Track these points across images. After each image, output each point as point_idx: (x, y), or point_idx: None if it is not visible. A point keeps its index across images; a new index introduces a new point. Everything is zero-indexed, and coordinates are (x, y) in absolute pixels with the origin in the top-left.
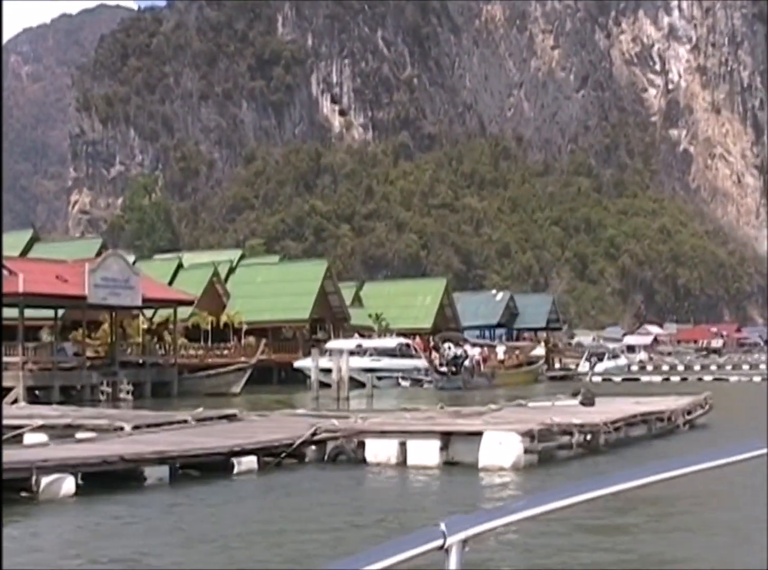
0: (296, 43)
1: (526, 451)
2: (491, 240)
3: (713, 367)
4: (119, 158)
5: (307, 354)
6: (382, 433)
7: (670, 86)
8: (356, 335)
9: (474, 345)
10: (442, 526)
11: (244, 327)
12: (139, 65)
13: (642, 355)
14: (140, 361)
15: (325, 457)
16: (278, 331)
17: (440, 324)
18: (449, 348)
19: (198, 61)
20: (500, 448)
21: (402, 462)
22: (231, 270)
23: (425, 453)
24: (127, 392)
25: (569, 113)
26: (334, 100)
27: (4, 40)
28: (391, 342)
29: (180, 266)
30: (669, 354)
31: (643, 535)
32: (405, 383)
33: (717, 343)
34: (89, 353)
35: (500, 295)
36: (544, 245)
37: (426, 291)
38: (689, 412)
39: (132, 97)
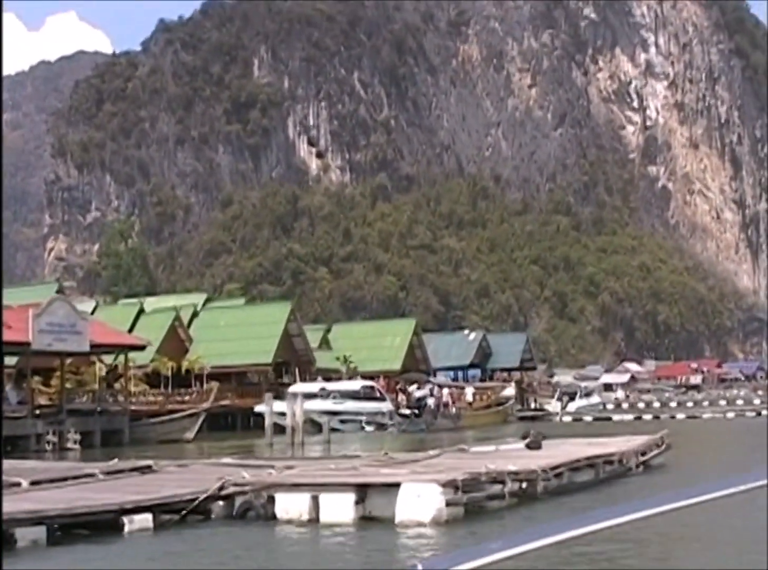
0: (272, 85)
1: (448, 504)
2: (470, 280)
3: (689, 404)
4: (95, 204)
5: (275, 398)
6: (293, 487)
7: (648, 123)
8: (320, 378)
9: (440, 386)
10: (419, 567)
11: (206, 372)
12: (114, 110)
13: (619, 394)
14: (92, 408)
15: (234, 514)
16: (243, 376)
17: (410, 365)
18: (417, 389)
19: (174, 105)
20: (418, 501)
21: (315, 518)
22: (195, 314)
23: (339, 508)
24: (75, 442)
25: (547, 152)
26: (311, 143)
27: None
28: (354, 384)
29: (141, 311)
30: (648, 391)
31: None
32: (369, 427)
33: (696, 379)
34: (43, 401)
35: (473, 335)
36: (524, 284)
37: (395, 332)
38: (643, 453)
39: (107, 142)
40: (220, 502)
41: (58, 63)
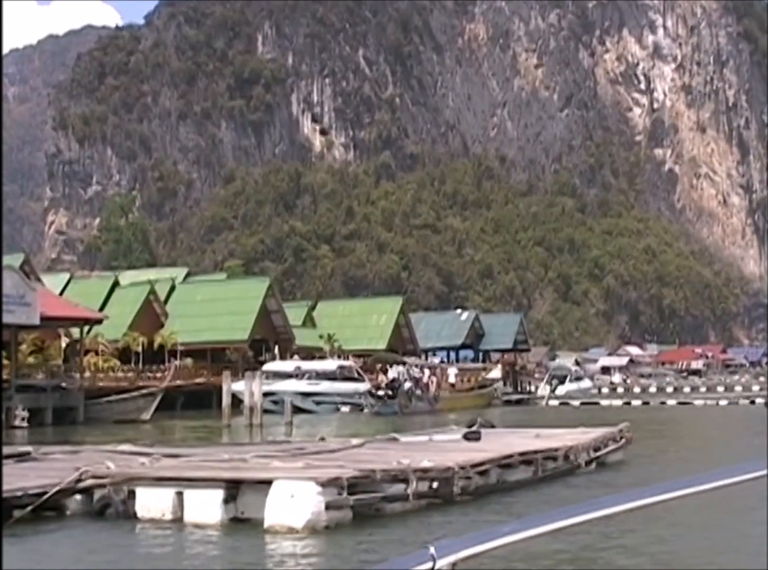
0: (276, 62)
1: (329, 506)
2: (473, 261)
3: (686, 390)
4: (96, 178)
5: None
6: (156, 481)
7: (655, 105)
8: (295, 357)
9: (420, 367)
10: (432, 549)
11: (179, 348)
12: (116, 84)
13: (616, 377)
14: (44, 385)
15: (93, 510)
16: (221, 353)
17: (396, 345)
18: (404, 370)
19: (176, 79)
20: (291, 502)
21: (179, 517)
22: (173, 288)
23: (205, 507)
24: (23, 419)
25: (553, 133)
26: (314, 120)
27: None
28: (331, 364)
29: (116, 285)
30: (649, 376)
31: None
32: (345, 408)
33: (698, 364)
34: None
35: (465, 315)
36: (527, 266)
37: (381, 310)
38: (597, 449)
39: (109, 116)
40: (78, 497)
41: (65, 37)
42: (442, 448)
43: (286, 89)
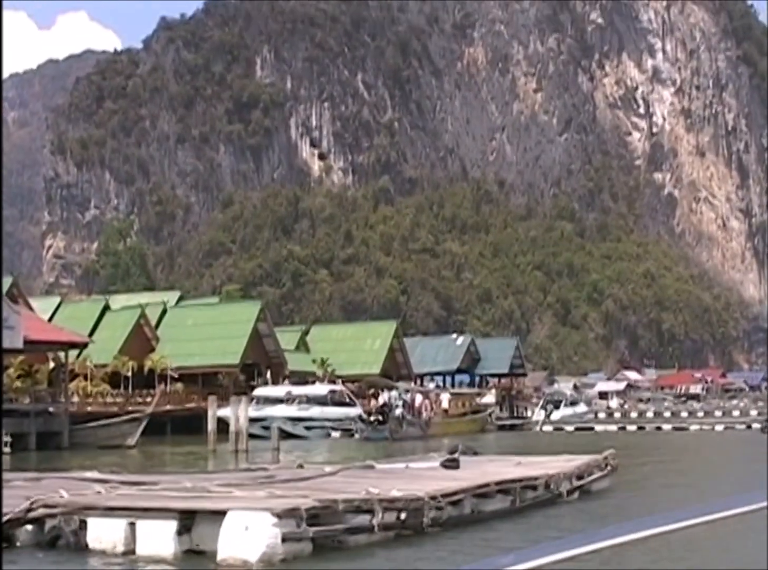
0: (275, 86)
1: (286, 539)
2: (472, 285)
3: (684, 414)
4: (94, 202)
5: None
6: (108, 511)
7: (654, 129)
8: (286, 382)
9: (409, 391)
10: None
11: (169, 373)
12: (114, 108)
13: (613, 402)
14: (28, 409)
15: (44, 541)
16: (213, 377)
17: (390, 369)
18: (397, 395)
19: (175, 103)
20: (245, 534)
21: (131, 549)
22: (164, 312)
23: (158, 538)
24: (6, 444)
25: (552, 157)
26: (313, 144)
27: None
28: (321, 389)
29: (107, 308)
30: (648, 400)
31: None
32: (336, 434)
33: (696, 388)
34: None
35: (460, 340)
36: (526, 290)
37: (375, 334)
38: (580, 477)
39: (107, 140)
40: (29, 527)
41: (65, 61)
42: (417, 476)
43: (284, 113)
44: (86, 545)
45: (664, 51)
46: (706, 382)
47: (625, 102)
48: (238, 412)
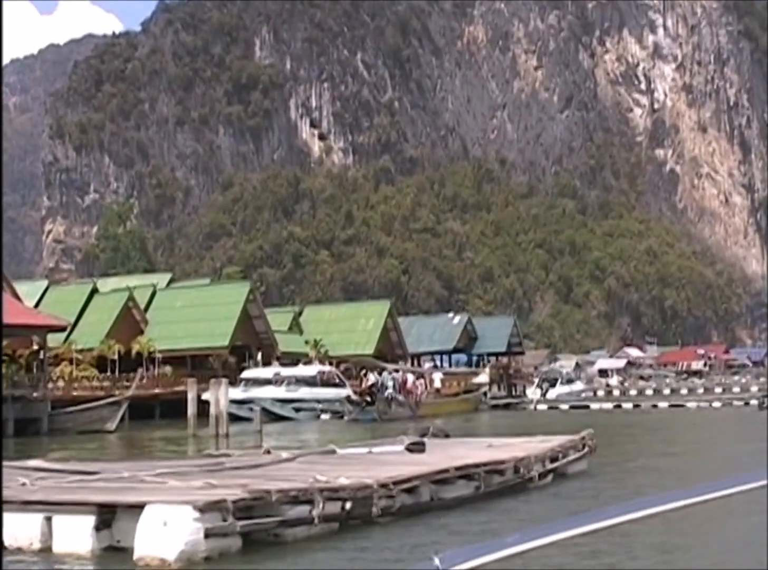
0: (274, 67)
1: (210, 534)
2: (474, 264)
3: (683, 391)
4: (93, 186)
5: (229, 384)
6: (24, 505)
7: (656, 105)
8: (276, 364)
9: (403, 372)
10: (436, 561)
11: (157, 356)
12: (113, 91)
13: (613, 380)
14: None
15: None
16: (202, 360)
17: (385, 349)
18: (387, 376)
19: (174, 86)
20: (164, 530)
21: (48, 546)
22: (154, 295)
23: (76, 534)
24: None
25: (553, 134)
26: (313, 125)
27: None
28: (310, 370)
29: (95, 291)
30: (650, 377)
31: None
32: (325, 415)
33: (698, 365)
34: None
35: (457, 319)
36: (528, 268)
37: (368, 314)
38: (554, 459)
39: (106, 123)
40: None
41: (66, 46)
42: (378, 462)
43: (284, 94)
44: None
45: (665, 27)
46: (709, 358)
47: (626, 78)
48: (218, 395)
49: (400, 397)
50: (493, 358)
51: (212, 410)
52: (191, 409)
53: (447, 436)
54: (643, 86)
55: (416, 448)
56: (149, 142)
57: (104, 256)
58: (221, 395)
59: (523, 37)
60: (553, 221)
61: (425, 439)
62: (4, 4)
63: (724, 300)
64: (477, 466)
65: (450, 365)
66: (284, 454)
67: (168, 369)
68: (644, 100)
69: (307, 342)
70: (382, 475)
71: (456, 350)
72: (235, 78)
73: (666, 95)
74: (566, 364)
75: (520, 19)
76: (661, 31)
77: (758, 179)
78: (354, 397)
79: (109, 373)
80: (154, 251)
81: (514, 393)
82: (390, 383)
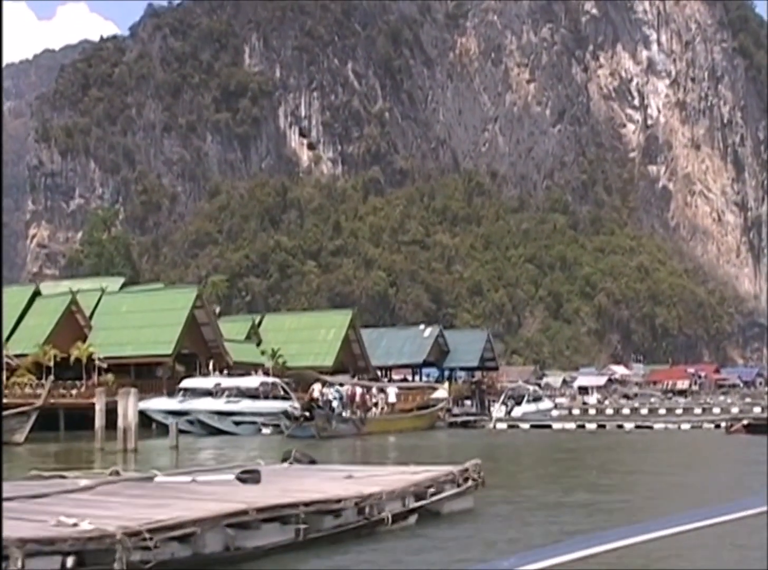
0: (263, 74)
1: None
2: (463, 278)
3: (662, 411)
4: (79, 191)
5: (171, 394)
6: None
7: (649, 121)
8: (216, 374)
9: (350, 386)
10: None
11: (97, 363)
12: (100, 95)
13: (592, 398)
14: None
15: None
16: (149, 368)
17: (347, 361)
18: (334, 390)
19: (161, 91)
20: None
21: None
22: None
23: None
24: None
25: (545, 148)
26: (302, 134)
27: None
28: (253, 381)
29: (37, 294)
30: (635, 395)
31: None
32: (267, 430)
33: (684, 384)
34: None
35: (428, 331)
36: (518, 283)
37: (329, 325)
38: (419, 496)
39: (93, 128)
40: None
41: (61, 51)
42: (195, 494)
43: (273, 102)
44: None
45: (659, 42)
46: (699, 377)
47: (620, 93)
48: (126, 407)
49: (344, 413)
50: (464, 373)
51: (119, 423)
52: (99, 421)
53: (312, 461)
54: (636, 102)
55: (249, 477)
56: (135, 148)
57: (88, 262)
58: (129, 407)
59: (515, 50)
60: (544, 236)
61: (260, 468)
62: (3, 5)
63: (716, 319)
64: (295, 505)
65: (420, 379)
66: (83, 482)
67: (110, 377)
68: (637, 116)
69: (263, 352)
70: (172, 513)
71: (426, 364)
72: (223, 85)
73: (659, 111)
74: (553, 380)
75: (512, 32)
76: (655, 46)
77: (751, 197)
78: (293, 411)
79: (44, 380)
80: (139, 258)
81: (485, 409)
82: (333, 397)
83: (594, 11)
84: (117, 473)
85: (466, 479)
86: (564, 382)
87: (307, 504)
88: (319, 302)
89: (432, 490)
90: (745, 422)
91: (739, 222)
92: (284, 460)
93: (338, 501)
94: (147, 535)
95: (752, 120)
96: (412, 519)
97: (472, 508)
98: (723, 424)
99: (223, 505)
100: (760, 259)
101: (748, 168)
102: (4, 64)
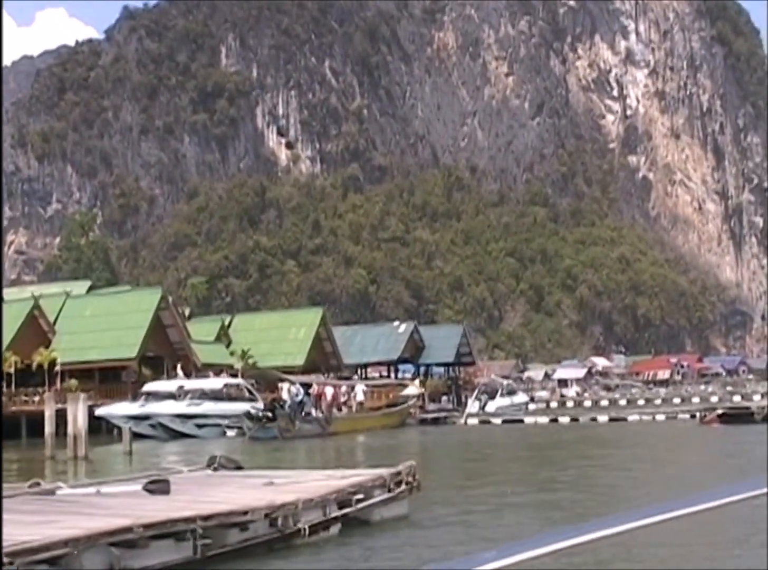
0: (240, 74)
1: None
2: (443, 273)
3: (641, 402)
4: (56, 196)
5: (135, 398)
6: None
7: (628, 112)
8: (180, 375)
9: (308, 385)
10: None
11: (59, 368)
12: (76, 99)
13: (571, 391)
14: None
15: None
16: (114, 372)
17: (318, 360)
18: (297, 389)
19: (138, 94)
20: None
21: None
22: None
23: None
24: None
25: (524, 142)
26: (280, 133)
27: None
28: (217, 382)
29: None
30: (616, 387)
31: None
32: (231, 433)
33: (664, 374)
34: None
35: (403, 327)
36: (498, 277)
37: (299, 323)
38: (343, 504)
39: (69, 132)
40: None
41: (40, 58)
42: (92, 508)
43: (250, 102)
44: None
45: (637, 32)
46: (682, 367)
47: (599, 85)
48: (75, 412)
49: (314, 412)
50: (441, 369)
51: (69, 429)
52: (48, 428)
53: (239, 467)
54: (615, 92)
55: (156, 488)
56: (113, 151)
57: (67, 268)
58: (79, 412)
59: (493, 44)
60: (524, 229)
61: (170, 477)
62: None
63: (698, 308)
64: (191, 519)
65: (396, 376)
66: None
67: (73, 382)
68: (616, 107)
69: (232, 353)
70: (49, 531)
71: (402, 360)
72: (200, 86)
73: (638, 101)
74: (534, 374)
75: (490, 25)
76: (633, 36)
77: (732, 185)
78: (256, 412)
79: (6, 388)
80: (118, 262)
81: (460, 405)
82: (293, 396)
83: (571, 3)
84: (37, 484)
85: (398, 483)
86: (546, 375)
87: (206, 517)
88: (300, 301)
89: (359, 496)
90: (719, 412)
91: (719, 210)
92: (209, 465)
93: (245, 512)
94: (6, 560)
95: (731, 108)
96: (335, 529)
97: (407, 514)
98: (698, 415)
99: (109, 522)
100: (741, 247)
101: (728, 156)
102: None
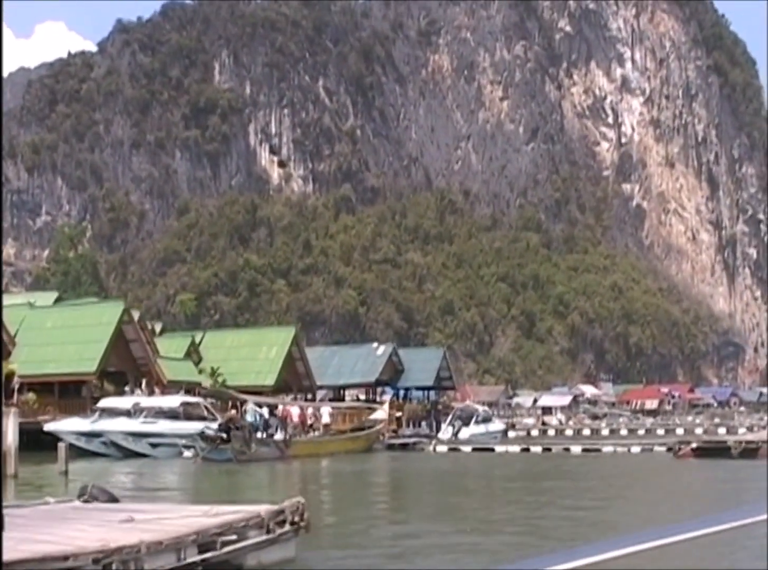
0: (233, 91)
1: None
2: (434, 296)
3: (623, 432)
4: (45, 208)
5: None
6: None
7: (623, 139)
8: (138, 392)
9: (273, 406)
10: None
11: (16, 381)
12: (67, 112)
13: (554, 419)
14: None
15: None
16: (75, 386)
17: (290, 380)
18: (256, 409)
19: (130, 108)
20: None
21: None
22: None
23: None
24: None
25: (518, 166)
26: (272, 151)
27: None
28: (173, 400)
29: None
30: (604, 415)
31: None
32: (188, 453)
33: (653, 404)
34: None
35: (382, 349)
36: (490, 302)
37: (271, 342)
38: (205, 547)
39: (60, 144)
40: None
41: (36, 70)
42: None
43: (243, 119)
44: None
45: (633, 60)
46: (673, 397)
47: (594, 111)
48: (7, 428)
49: (277, 435)
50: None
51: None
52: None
53: (114, 499)
54: (610, 120)
55: None
56: (103, 165)
57: (55, 280)
58: (9, 428)
59: (488, 67)
60: (517, 255)
61: (8, 511)
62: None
63: (690, 338)
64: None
65: (375, 400)
66: None
67: (31, 396)
68: (611, 134)
69: (201, 371)
70: None
71: (380, 383)
72: (193, 101)
73: (633, 129)
74: (523, 400)
75: (486, 49)
76: (629, 64)
77: (726, 216)
78: (210, 432)
79: None
80: (107, 276)
81: (437, 430)
82: (253, 417)
83: (568, 28)
84: None
85: (281, 522)
86: (535, 401)
87: (10, 564)
88: (289, 321)
89: (226, 537)
90: (693, 445)
91: (713, 240)
92: (80, 496)
93: (66, 558)
94: None
95: (727, 138)
96: None
97: (294, 557)
98: (677, 447)
99: None
100: (734, 278)
101: (723, 186)
102: None
